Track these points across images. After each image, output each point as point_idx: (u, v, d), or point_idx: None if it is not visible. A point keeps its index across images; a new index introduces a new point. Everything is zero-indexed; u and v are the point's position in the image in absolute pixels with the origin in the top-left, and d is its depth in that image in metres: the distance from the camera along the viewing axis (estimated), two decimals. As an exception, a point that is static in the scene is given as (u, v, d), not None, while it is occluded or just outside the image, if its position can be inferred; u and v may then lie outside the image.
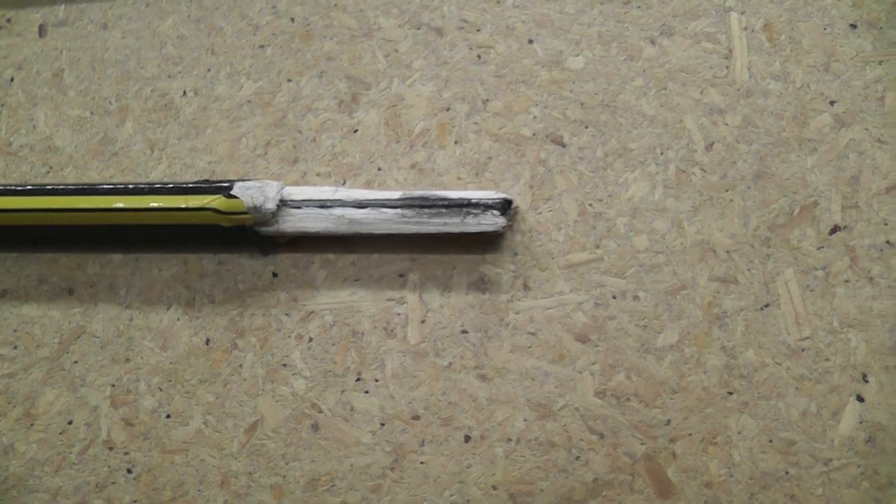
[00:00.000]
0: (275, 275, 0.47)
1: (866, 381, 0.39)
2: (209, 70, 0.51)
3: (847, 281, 0.41)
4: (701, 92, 0.45)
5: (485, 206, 0.42)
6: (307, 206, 0.45)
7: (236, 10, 0.52)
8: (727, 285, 0.42)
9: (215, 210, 0.44)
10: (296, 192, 0.45)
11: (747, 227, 0.42)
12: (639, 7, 0.47)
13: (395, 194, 0.44)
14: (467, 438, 0.42)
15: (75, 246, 0.50)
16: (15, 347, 0.49)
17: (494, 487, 0.41)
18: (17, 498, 0.46)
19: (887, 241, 0.41)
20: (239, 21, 0.52)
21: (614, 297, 0.43)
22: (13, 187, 0.48)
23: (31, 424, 0.48)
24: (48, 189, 0.47)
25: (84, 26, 0.54)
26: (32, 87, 0.54)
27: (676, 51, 0.45)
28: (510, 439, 0.42)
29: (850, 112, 0.43)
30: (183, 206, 0.45)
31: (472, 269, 0.44)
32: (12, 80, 0.54)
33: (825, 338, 0.40)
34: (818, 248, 0.41)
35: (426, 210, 0.43)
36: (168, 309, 0.48)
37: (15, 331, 0.49)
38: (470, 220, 0.43)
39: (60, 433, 0.47)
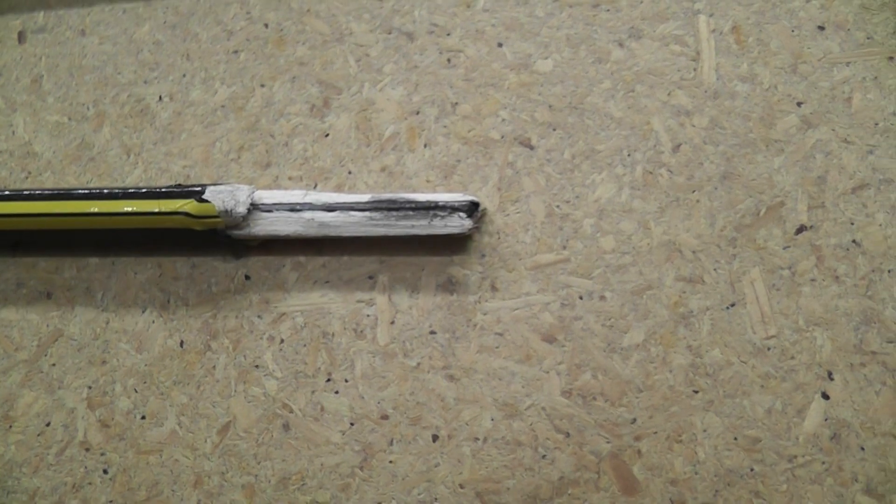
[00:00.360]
0: (247, 277, 0.47)
1: (831, 379, 0.40)
2: (184, 75, 0.52)
3: (813, 280, 0.41)
4: (668, 94, 0.45)
5: (451, 209, 0.43)
6: (278, 210, 0.45)
7: (211, 15, 0.52)
8: (693, 285, 0.42)
9: (187, 214, 0.45)
10: (266, 196, 0.45)
11: (714, 227, 0.42)
12: (607, 10, 0.47)
13: (364, 197, 0.44)
14: (435, 438, 0.43)
15: (53, 250, 0.51)
16: (-7, 351, 0.50)
17: (462, 486, 0.42)
18: (-7, 499, 0.47)
19: (853, 241, 0.41)
20: (214, 27, 0.52)
21: (581, 298, 0.43)
22: (-9, 193, 0.49)
23: (10, 426, 0.48)
24: (26, 194, 0.48)
25: (62, 32, 0.55)
26: (12, 94, 0.55)
27: (644, 53, 0.46)
28: (477, 438, 0.42)
29: (817, 113, 0.43)
30: (156, 210, 0.45)
31: (440, 270, 0.45)
32: (-8, 86, 0.55)
33: (791, 336, 0.40)
34: (784, 248, 0.42)
35: (394, 213, 0.43)
36: (143, 312, 0.48)
37: (-7, 334, 0.50)
38: (437, 222, 0.43)
39: (38, 435, 0.48)
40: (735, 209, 0.42)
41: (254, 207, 0.45)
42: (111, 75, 0.53)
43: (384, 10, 0.50)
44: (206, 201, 0.44)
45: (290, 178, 0.48)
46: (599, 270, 0.43)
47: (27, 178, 0.53)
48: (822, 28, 0.44)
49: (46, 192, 0.48)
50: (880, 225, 0.41)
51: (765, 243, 0.42)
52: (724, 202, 0.43)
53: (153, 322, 0.48)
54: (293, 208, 0.45)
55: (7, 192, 0.48)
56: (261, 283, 0.47)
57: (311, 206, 0.45)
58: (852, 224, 0.41)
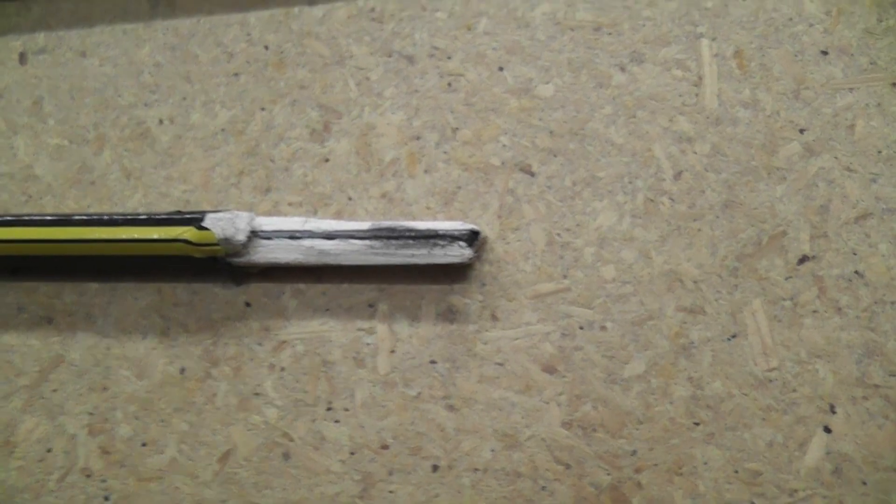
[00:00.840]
0: (247, 304, 0.47)
1: (834, 413, 0.40)
2: (184, 98, 0.52)
3: (815, 311, 0.41)
4: (670, 120, 0.45)
5: (451, 238, 0.43)
6: (277, 237, 0.45)
7: (211, 37, 0.52)
8: (694, 315, 0.42)
9: (187, 241, 0.45)
10: (266, 223, 0.45)
11: (715, 256, 0.42)
12: (609, 34, 0.47)
13: (364, 225, 0.44)
14: (435, 468, 0.43)
15: (54, 275, 0.51)
16: (-6, 376, 0.50)
17: (461, 518, 0.42)
18: (-5, 527, 0.47)
19: (856, 272, 0.41)
20: (214, 48, 0.52)
21: (581, 328, 0.43)
22: (-9, 218, 0.49)
23: (11, 452, 0.49)
24: (26, 220, 0.48)
25: (63, 54, 0.55)
26: (13, 116, 0.55)
27: (646, 78, 0.46)
28: (477, 469, 0.42)
29: (820, 140, 0.43)
30: (155, 237, 0.46)
31: (440, 299, 0.45)
32: (-7, 108, 0.55)
33: (792, 368, 0.40)
34: (786, 279, 0.41)
35: (394, 241, 0.44)
36: (144, 338, 0.48)
37: (-6, 359, 0.50)
38: (437, 251, 0.43)
39: (39, 461, 0.48)
40: (737, 238, 0.42)
41: (253, 235, 0.45)
42: (112, 97, 0.53)
43: (385, 32, 0.50)
44: (206, 229, 0.45)
45: (290, 204, 0.48)
46: (600, 300, 0.43)
47: (27, 201, 0.53)
48: (825, 53, 0.44)
49: (47, 217, 0.48)
50: (883, 255, 0.41)
51: (767, 273, 0.42)
52: (725, 231, 0.43)
53: (154, 349, 0.48)
54: (293, 236, 0.45)
55: (8, 218, 0.49)
56: (261, 310, 0.47)
57: (311, 234, 0.45)
58: (855, 254, 0.41)
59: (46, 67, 0.55)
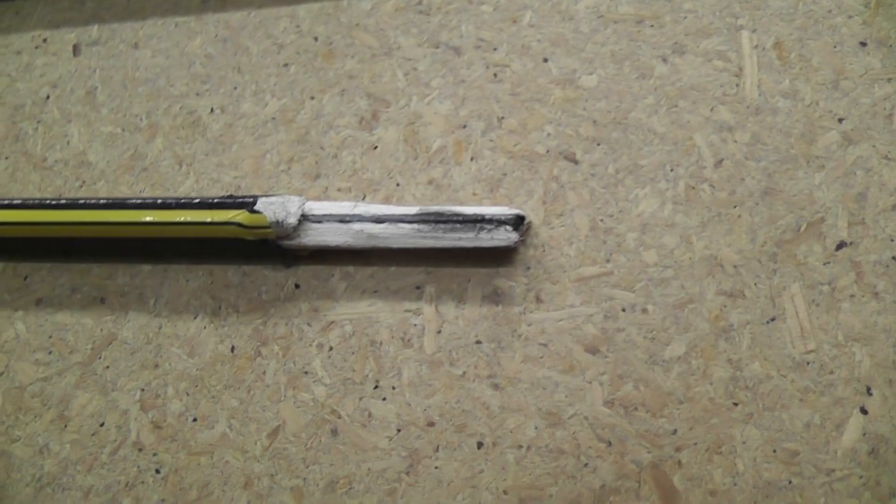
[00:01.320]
0: (297, 286, 0.51)
1: (870, 394, 0.42)
2: (235, 88, 0.55)
3: (852, 296, 0.43)
4: (711, 109, 0.48)
5: (498, 222, 0.46)
6: (327, 221, 0.48)
7: (262, 29, 0.56)
8: (734, 299, 0.45)
9: (239, 224, 0.48)
10: (316, 208, 0.49)
11: (754, 242, 0.45)
12: (651, 26, 0.50)
13: (412, 210, 0.47)
14: (480, 445, 0.46)
15: (106, 256, 0.54)
16: (50, 353, 0.54)
17: (505, 492, 0.45)
18: (52, 495, 0.50)
19: (893, 257, 0.43)
20: (264, 40, 0.56)
21: (623, 310, 0.46)
22: (48, 201, 0.52)
23: (65, 426, 0.52)
24: (80, 203, 0.52)
25: (116, 46, 0.59)
26: (67, 105, 0.58)
27: (688, 69, 0.49)
28: (521, 446, 0.45)
29: (858, 129, 0.45)
30: (209, 220, 0.49)
31: (486, 282, 0.48)
32: (48, 97, 0.59)
33: (830, 351, 0.43)
34: (824, 264, 0.44)
35: (441, 225, 0.47)
36: (195, 318, 0.52)
37: (50, 337, 0.54)
38: (483, 235, 0.46)
39: (92, 434, 0.51)
40: (776, 225, 0.45)
41: (304, 218, 0.48)
42: (163, 87, 0.57)
43: (432, 24, 0.53)
44: (258, 212, 0.48)
45: (339, 190, 0.51)
46: (642, 284, 0.46)
47: (81, 186, 0.56)
48: (864, 44, 0.47)
49: (101, 201, 0.52)
50: (921, 242, 0.43)
51: (805, 259, 0.44)
52: (765, 218, 0.45)
53: (204, 328, 0.51)
54: (342, 219, 0.48)
55: (63, 201, 0.52)
56: (310, 292, 0.50)
57: (361, 218, 0.48)
58: (892, 240, 0.44)
59: (100, 59, 0.59)
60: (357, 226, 0.48)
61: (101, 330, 0.53)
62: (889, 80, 0.46)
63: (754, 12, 0.49)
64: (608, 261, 0.47)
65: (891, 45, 0.46)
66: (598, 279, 0.46)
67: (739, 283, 0.45)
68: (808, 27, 0.47)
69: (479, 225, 0.46)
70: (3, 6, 0.61)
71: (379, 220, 0.48)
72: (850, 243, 0.44)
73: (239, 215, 0.48)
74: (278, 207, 0.48)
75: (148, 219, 0.50)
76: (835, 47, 0.47)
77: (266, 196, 0.49)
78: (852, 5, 0.47)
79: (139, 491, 0.50)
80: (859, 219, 0.44)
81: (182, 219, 0.50)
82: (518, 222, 0.46)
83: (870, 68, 0.46)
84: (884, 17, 0.47)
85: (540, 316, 0.47)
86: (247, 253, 0.51)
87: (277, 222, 0.48)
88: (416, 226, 0.47)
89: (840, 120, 0.46)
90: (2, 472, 0.51)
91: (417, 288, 0.49)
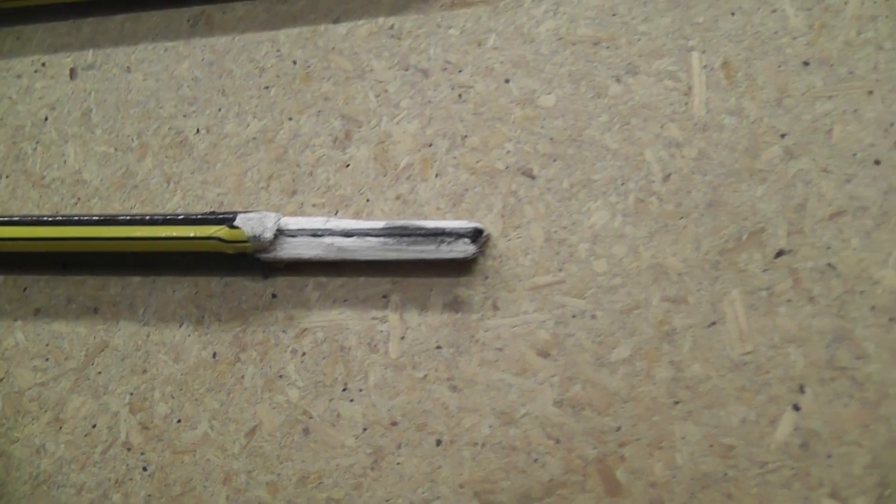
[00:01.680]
0: (274, 296, 0.56)
1: (803, 392, 0.46)
2: (220, 110, 0.61)
3: (789, 300, 0.48)
4: (661, 127, 0.52)
5: (457, 235, 0.51)
6: (301, 235, 0.54)
7: (245, 53, 0.62)
8: (677, 305, 0.49)
9: (220, 239, 0.53)
10: (291, 223, 0.54)
11: (698, 251, 0.50)
12: (607, 47, 0.54)
13: (379, 224, 0.52)
14: (438, 442, 0.51)
15: (100, 269, 0.60)
16: (46, 359, 0.59)
17: (461, 486, 0.50)
18: (48, 492, 0.56)
19: (828, 264, 0.47)
20: (247, 64, 0.61)
21: (573, 317, 0.50)
22: (46, 218, 0.58)
23: (60, 427, 0.58)
24: (76, 220, 0.57)
25: (110, 69, 0.65)
26: (64, 126, 0.64)
27: (640, 88, 0.53)
28: (476, 443, 0.50)
29: (800, 144, 0.50)
30: (192, 235, 0.54)
31: (447, 291, 0.53)
32: (46, 119, 0.65)
33: (766, 352, 0.47)
34: (763, 271, 0.48)
35: (405, 238, 0.52)
36: (180, 326, 0.57)
37: (46, 345, 0.60)
38: (444, 247, 0.51)
39: (85, 435, 0.57)
40: (719, 234, 0.49)
41: (280, 233, 0.54)
42: (153, 109, 0.63)
43: (402, 48, 0.58)
44: (237, 227, 0.53)
45: (313, 206, 0.57)
46: (592, 291, 0.51)
47: (76, 203, 0.62)
48: (806, 63, 0.51)
49: (94, 217, 0.57)
50: (855, 249, 0.47)
51: (745, 266, 0.49)
52: (709, 228, 0.50)
53: (189, 335, 0.57)
54: (315, 234, 0.53)
55: (59, 218, 0.58)
56: (286, 301, 0.56)
57: (332, 232, 0.53)
58: (828, 248, 0.48)
59: (95, 82, 0.65)
60: (328, 239, 0.53)
61: (94, 338, 0.59)
62: (829, 97, 0.50)
63: (705, 34, 0.53)
64: (560, 270, 0.51)
65: (832, 65, 0.50)
66: (551, 287, 0.51)
67: (683, 290, 0.49)
68: (755, 48, 0.52)
69: (440, 238, 0.51)
70: (3, 31, 0.67)
71: (348, 234, 0.53)
72: (789, 251, 0.48)
73: (220, 231, 0.54)
74: (256, 223, 0.53)
75: (136, 234, 0.55)
76: (779, 67, 0.51)
77: (245, 212, 0.54)
78: (797, 27, 0.51)
79: (128, 487, 0.55)
80: (798, 228, 0.48)
81: (167, 234, 0.55)
82: (476, 235, 0.51)
83: (812, 86, 0.50)
84: (826, 37, 0.51)
85: (496, 322, 0.51)
86: (228, 265, 0.57)
87: (255, 237, 0.53)
88: (382, 239, 0.52)
89: (783, 135, 0.50)
90: (1, 471, 0.57)
91: (384, 297, 0.54)
